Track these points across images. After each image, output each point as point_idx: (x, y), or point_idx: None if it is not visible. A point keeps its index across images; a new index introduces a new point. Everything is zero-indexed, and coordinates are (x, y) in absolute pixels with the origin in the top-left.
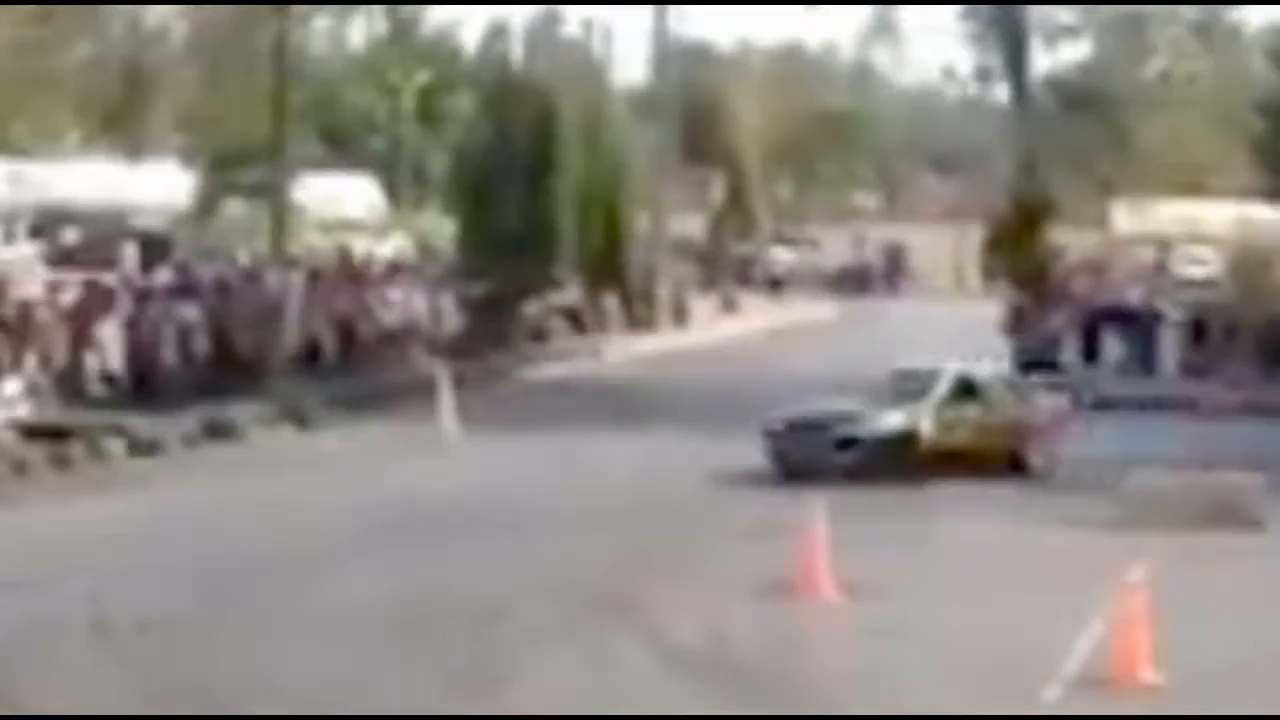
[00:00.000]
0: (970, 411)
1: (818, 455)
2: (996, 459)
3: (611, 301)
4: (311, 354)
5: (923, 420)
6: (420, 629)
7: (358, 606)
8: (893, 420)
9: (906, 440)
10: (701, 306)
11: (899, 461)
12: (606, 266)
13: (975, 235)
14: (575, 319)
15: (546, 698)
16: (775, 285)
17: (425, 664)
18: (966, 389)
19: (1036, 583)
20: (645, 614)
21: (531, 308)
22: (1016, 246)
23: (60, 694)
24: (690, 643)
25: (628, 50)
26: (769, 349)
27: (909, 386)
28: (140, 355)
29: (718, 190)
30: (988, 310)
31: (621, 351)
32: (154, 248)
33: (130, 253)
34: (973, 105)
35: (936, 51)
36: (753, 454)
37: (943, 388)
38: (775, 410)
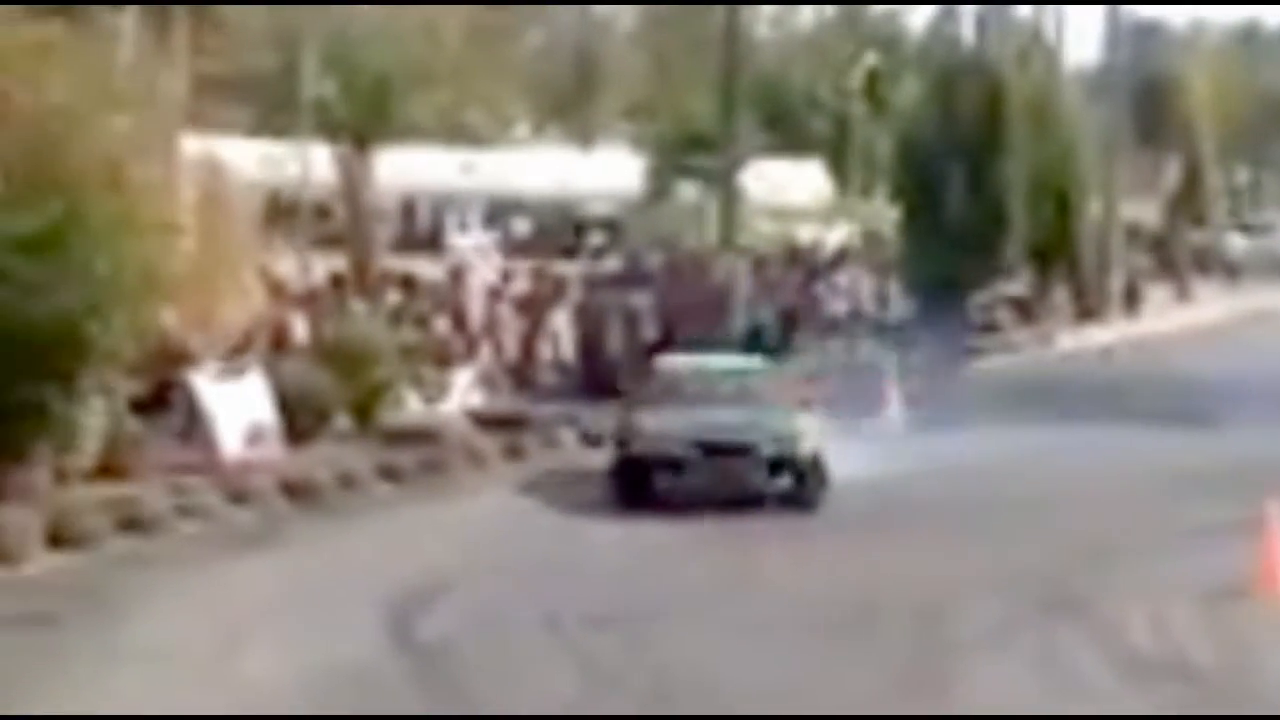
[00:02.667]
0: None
1: (744, 482)
2: None
3: (1061, 290)
4: (757, 342)
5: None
6: (864, 626)
7: (803, 600)
8: (813, 436)
9: (817, 457)
10: (1154, 295)
11: (821, 483)
12: (1056, 254)
13: None
14: (1024, 308)
15: (991, 702)
16: (1231, 272)
17: (869, 663)
18: None
19: None
20: (1095, 612)
21: (981, 296)
22: None
23: (512, 690)
24: (1142, 644)
25: (1079, 29)
26: (1225, 339)
27: (693, 388)
28: (590, 344)
29: (1172, 174)
30: None
31: (1072, 342)
32: (604, 235)
33: (594, 241)
34: None
35: None
36: (1211, 449)
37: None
38: (654, 430)
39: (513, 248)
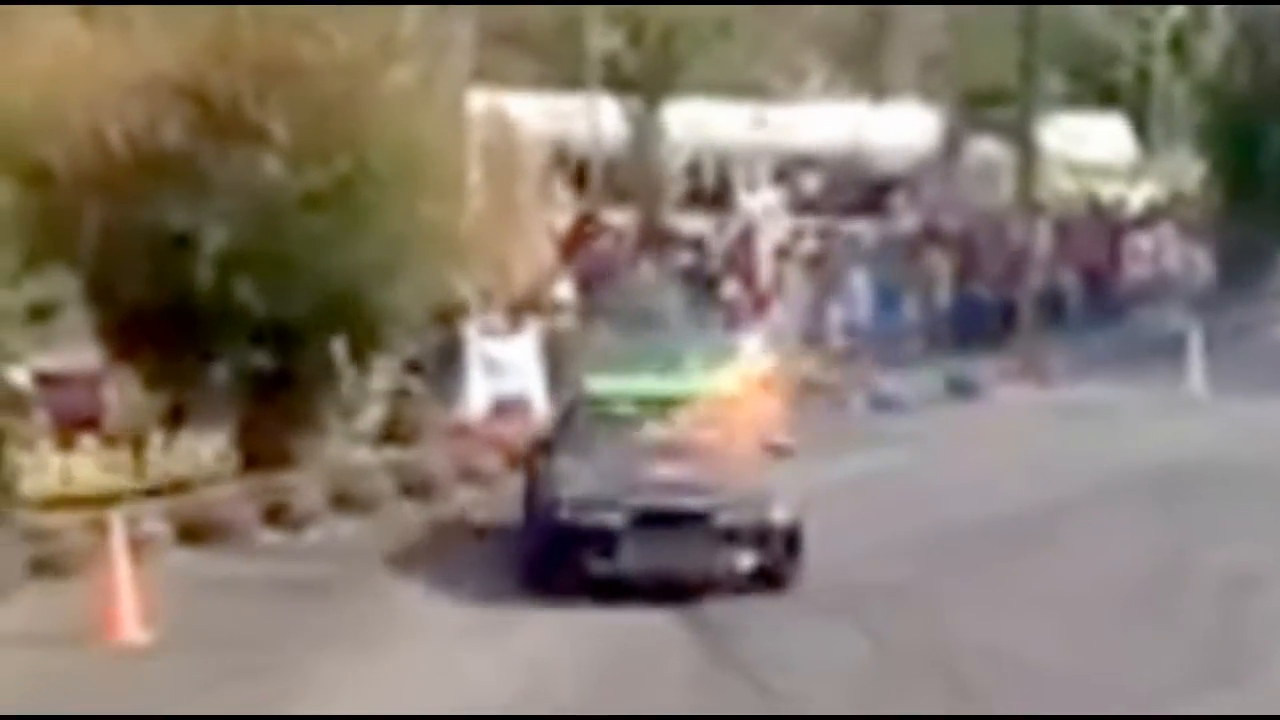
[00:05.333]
0: None
1: (696, 561)
2: None
3: None
4: (1057, 307)
5: None
6: (1162, 601)
7: (1096, 573)
8: (788, 500)
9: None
10: None
11: (796, 557)
12: None
13: None
14: None
15: None
16: None
17: (1167, 639)
18: None
19: None
20: None
21: None
22: None
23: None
24: None
25: None
26: None
27: (622, 424)
28: (881, 305)
29: None
30: None
31: None
32: (895, 193)
33: (899, 202)
34: None
35: None
36: None
37: None
38: (575, 489)
39: (801, 205)
